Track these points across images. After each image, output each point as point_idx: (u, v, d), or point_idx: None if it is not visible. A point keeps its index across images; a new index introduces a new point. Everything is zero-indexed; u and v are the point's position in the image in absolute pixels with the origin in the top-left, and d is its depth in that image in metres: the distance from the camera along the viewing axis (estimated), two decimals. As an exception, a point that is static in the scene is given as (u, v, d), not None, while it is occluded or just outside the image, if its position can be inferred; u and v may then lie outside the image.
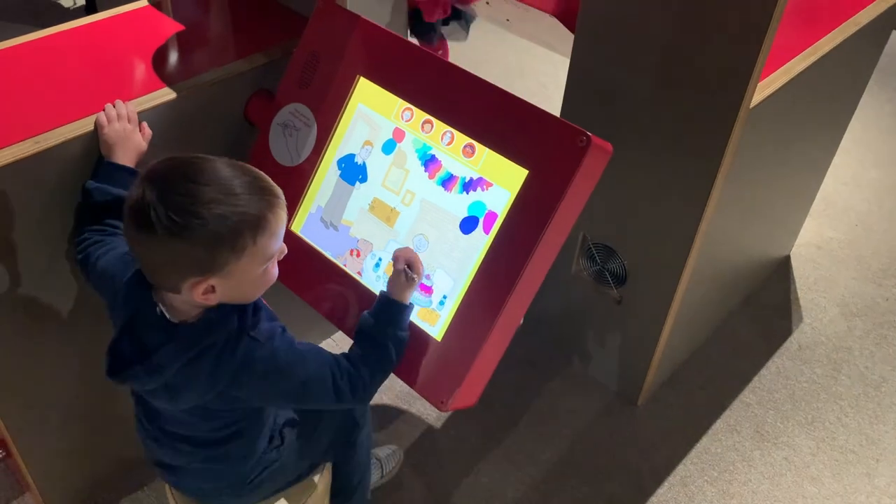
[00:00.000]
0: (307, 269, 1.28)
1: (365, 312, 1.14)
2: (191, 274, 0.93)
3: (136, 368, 0.97)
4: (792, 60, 1.47)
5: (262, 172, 0.98)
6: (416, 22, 1.99)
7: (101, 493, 1.63)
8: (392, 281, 1.14)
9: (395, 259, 1.14)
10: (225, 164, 0.94)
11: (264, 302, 1.07)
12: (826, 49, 1.53)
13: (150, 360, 0.97)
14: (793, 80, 1.44)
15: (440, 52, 2.56)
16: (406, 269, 1.13)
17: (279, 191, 0.98)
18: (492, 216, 1.12)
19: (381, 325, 1.12)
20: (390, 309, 1.13)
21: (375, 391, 1.13)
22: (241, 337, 1.00)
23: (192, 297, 0.94)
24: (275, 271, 1.02)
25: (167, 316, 0.99)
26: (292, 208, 1.30)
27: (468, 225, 1.14)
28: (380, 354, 1.11)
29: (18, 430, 1.38)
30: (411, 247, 1.17)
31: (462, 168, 1.16)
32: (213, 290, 0.94)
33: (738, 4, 1.20)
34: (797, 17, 1.55)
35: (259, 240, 0.94)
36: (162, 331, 0.98)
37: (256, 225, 0.93)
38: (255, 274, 0.98)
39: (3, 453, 1.64)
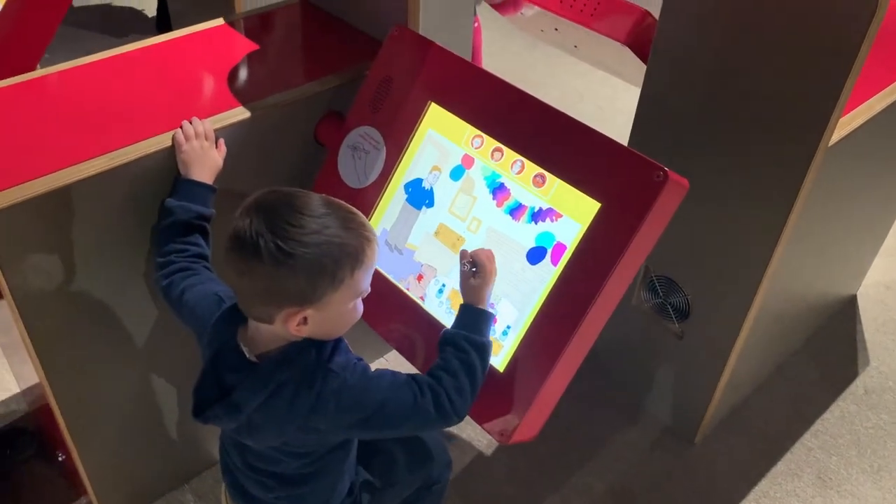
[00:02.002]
0: (371, 292, 1.28)
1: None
2: (289, 304, 0.94)
3: (216, 408, 0.99)
4: (873, 98, 1.42)
5: (356, 209, 1.00)
6: None
7: (154, 500, 1.65)
8: (461, 284, 1.13)
9: (461, 255, 1.14)
10: (324, 199, 0.97)
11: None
12: (909, 86, 1.48)
13: (228, 399, 0.98)
14: (874, 118, 1.40)
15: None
16: (468, 262, 1.12)
17: (372, 228, 1.00)
18: (560, 248, 1.10)
19: (458, 330, 1.09)
20: (465, 313, 1.11)
21: (465, 404, 1.06)
22: (317, 370, 1.00)
23: (286, 327, 0.95)
24: (361, 308, 1.03)
25: (246, 355, 1.00)
26: (357, 230, 1.30)
27: (535, 255, 1.13)
28: (460, 359, 1.07)
29: (79, 434, 1.40)
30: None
31: (531, 198, 1.14)
32: (305, 321, 0.95)
33: (821, 41, 1.17)
34: (880, 52, 1.51)
35: (356, 273, 0.96)
36: (240, 370, 0.99)
37: (356, 258, 0.95)
38: (346, 308, 0.99)
39: (63, 455, 1.68)
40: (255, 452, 1.11)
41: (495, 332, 1.15)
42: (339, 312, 0.99)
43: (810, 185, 1.31)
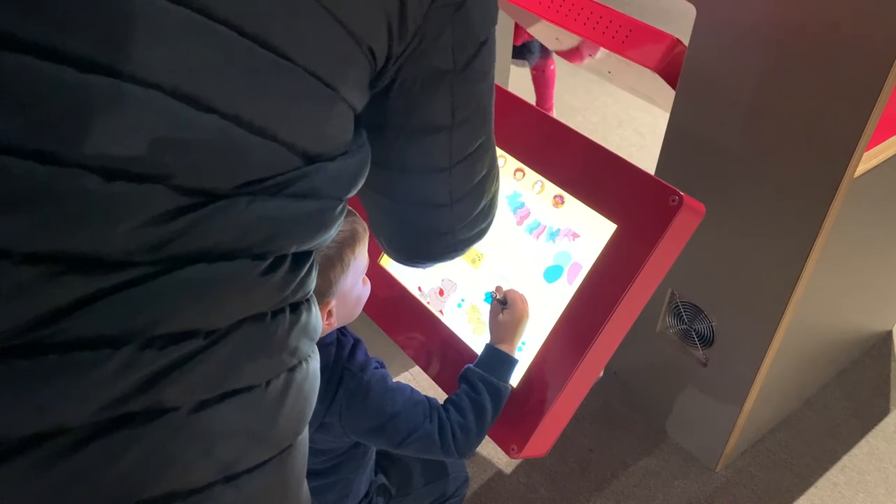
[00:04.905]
0: (391, 303, 1.32)
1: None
2: None
3: None
4: (903, 131, 1.42)
5: None
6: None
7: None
8: (490, 319, 1.14)
9: (495, 290, 1.16)
10: None
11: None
12: (942, 120, 1.47)
13: None
14: (903, 151, 1.39)
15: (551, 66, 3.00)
16: (496, 294, 1.14)
17: None
18: (576, 267, 1.13)
19: (477, 370, 1.11)
20: (488, 354, 1.13)
21: (468, 443, 1.08)
22: (335, 369, 1.04)
23: None
24: (368, 283, 1.11)
25: None
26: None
27: (552, 274, 1.15)
28: (471, 398, 1.09)
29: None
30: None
31: (551, 217, 1.17)
32: (331, 314, 1.01)
33: (848, 70, 1.17)
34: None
35: (357, 251, 1.04)
36: None
37: (352, 239, 1.03)
38: (358, 288, 1.07)
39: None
40: None
41: None
42: (354, 293, 1.06)
43: (835, 216, 1.31)
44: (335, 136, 0.61)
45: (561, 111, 3.14)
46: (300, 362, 0.66)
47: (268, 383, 0.62)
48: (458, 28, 0.64)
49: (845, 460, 1.86)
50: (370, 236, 1.08)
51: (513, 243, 1.20)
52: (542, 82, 3.04)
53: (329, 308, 1.02)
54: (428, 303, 1.28)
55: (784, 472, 1.83)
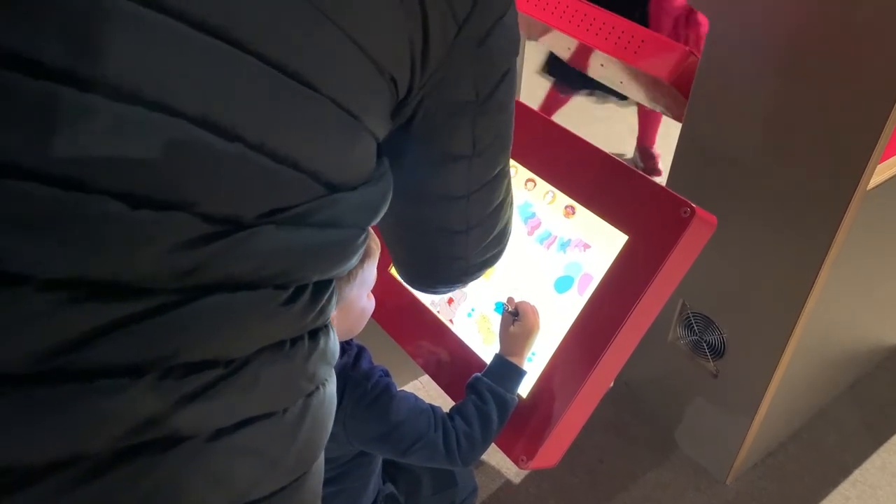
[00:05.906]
0: (401, 312, 1.32)
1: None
2: None
3: None
4: (917, 143, 1.41)
5: None
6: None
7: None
8: (501, 330, 1.14)
9: (507, 301, 1.16)
10: None
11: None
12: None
13: None
14: (917, 163, 1.38)
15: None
16: (509, 308, 1.14)
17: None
18: (587, 278, 1.12)
19: (485, 379, 1.11)
20: (497, 364, 1.12)
21: (472, 452, 1.08)
22: (340, 377, 1.04)
23: None
24: (373, 300, 1.09)
25: None
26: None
27: (562, 284, 1.15)
28: (478, 408, 1.09)
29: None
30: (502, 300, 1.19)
31: (561, 227, 1.17)
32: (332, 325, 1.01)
33: (861, 82, 1.17)
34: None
35: (365, 264, 1.02)
36: None
37: (364, 252, 1.01)
38: (362, 302, 1.06)
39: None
40: None
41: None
42: (358, 307, 1.05)
43: (847, 228, 1.30)
44: (358, 165, 0.61)
45: (570, 120, 3.14)
46: (317, 387, 0.66)
47: (285, 410, 0.62)
48: (480, 60, 0.64)
49: (857, 474, 1.85)
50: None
51: (523, 253, 1.20)
52: (650, 116, 2.92)
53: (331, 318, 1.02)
54: (438, 312, 1.28)
55: (795, 485, 1.82)
